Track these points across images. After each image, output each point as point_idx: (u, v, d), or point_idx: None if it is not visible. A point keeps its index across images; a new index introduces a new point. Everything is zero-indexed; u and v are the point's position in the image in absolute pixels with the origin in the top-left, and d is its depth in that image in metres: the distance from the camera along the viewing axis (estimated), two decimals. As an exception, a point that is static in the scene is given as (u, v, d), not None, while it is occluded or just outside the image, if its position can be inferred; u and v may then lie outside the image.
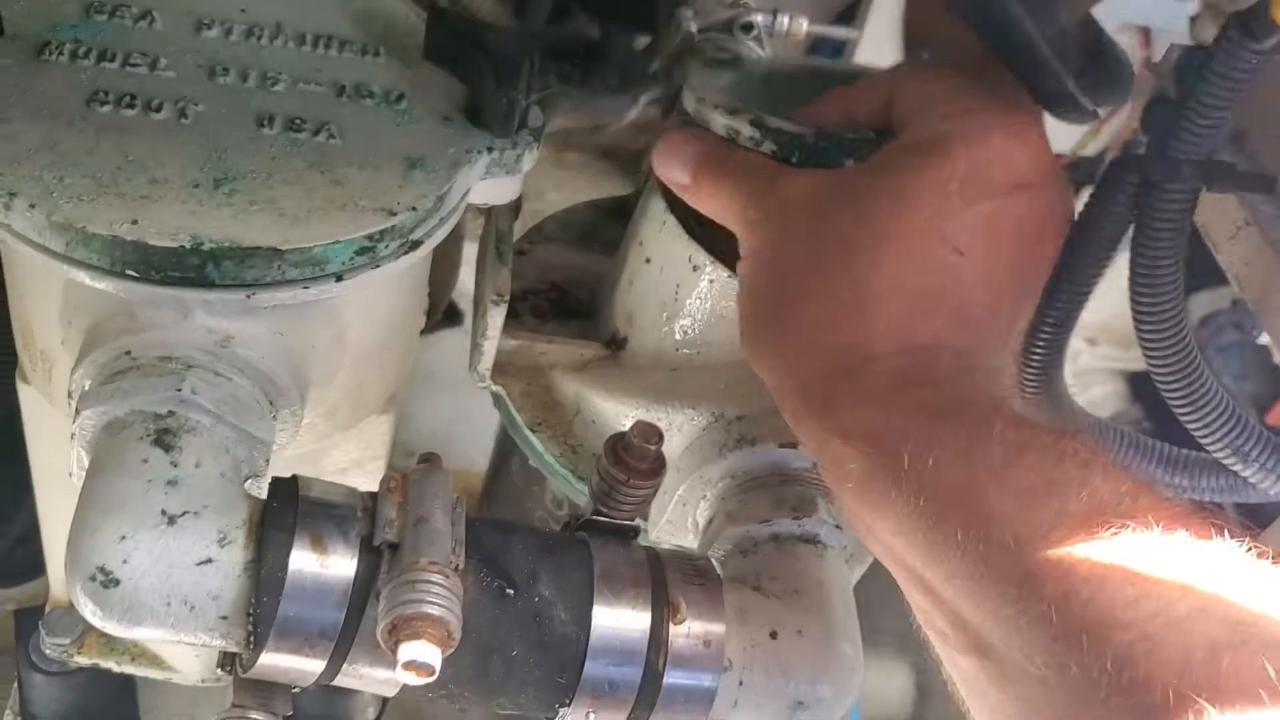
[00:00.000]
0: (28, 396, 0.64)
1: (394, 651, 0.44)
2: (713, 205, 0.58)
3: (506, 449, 0.81)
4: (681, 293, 0.64)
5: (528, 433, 0.68)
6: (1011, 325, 0.54)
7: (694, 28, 0.91)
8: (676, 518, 0.63)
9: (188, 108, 0.55)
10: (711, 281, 0.63)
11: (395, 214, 0.53)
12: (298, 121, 0.56)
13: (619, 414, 0.66)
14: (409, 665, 0.43)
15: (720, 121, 0.59)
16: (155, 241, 0.50)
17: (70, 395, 0.54)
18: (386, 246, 0.54)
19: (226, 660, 0.52)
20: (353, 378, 0.61)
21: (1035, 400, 0.61)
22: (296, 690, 0.51)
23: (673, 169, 0.59)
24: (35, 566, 0.95)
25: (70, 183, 0.51)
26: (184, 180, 0.52)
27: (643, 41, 0.95)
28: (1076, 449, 0.44)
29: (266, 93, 0.58)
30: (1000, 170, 0.51)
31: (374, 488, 0.50)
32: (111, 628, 0.47)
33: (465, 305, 0.89)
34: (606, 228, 0.81)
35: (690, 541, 0.64)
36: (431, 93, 0.60)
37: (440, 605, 0.45)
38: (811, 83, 0.62)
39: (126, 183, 0.51)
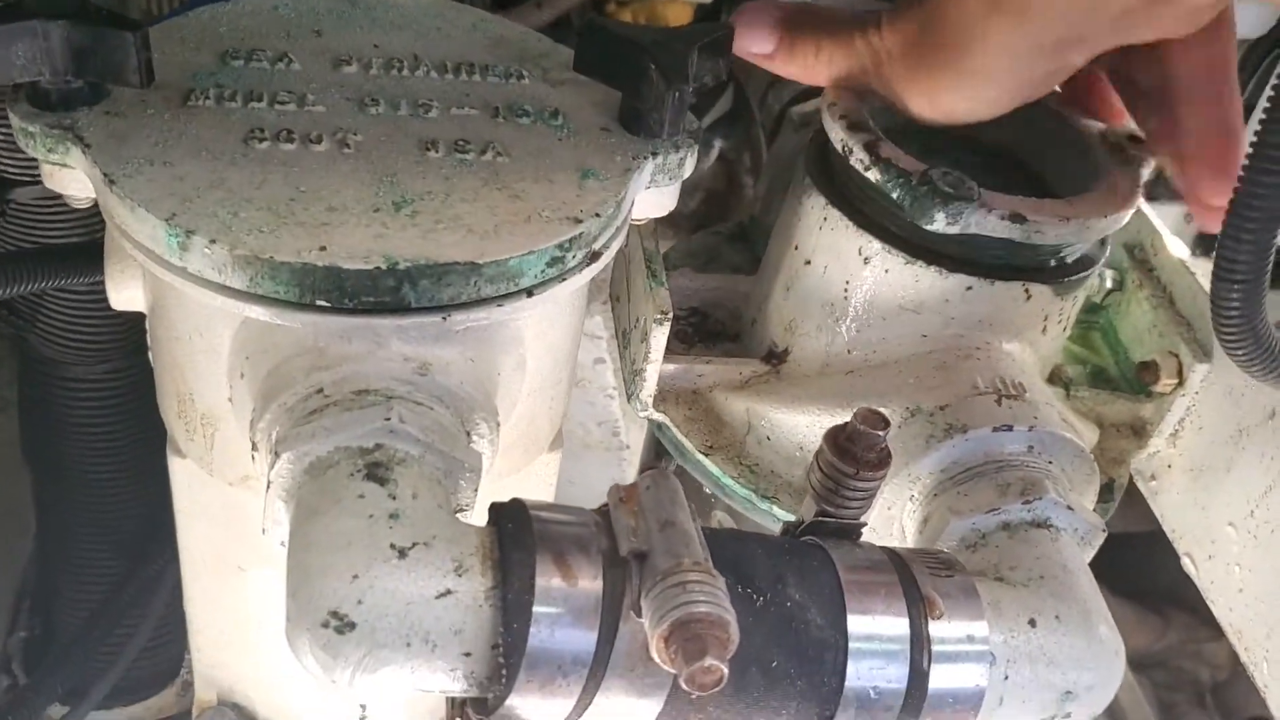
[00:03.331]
0: (182, 470, 0.61)
1: (672, 662, 0.40)
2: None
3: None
4: (851, 288, 0.62)
5: (700, 458, 0.65)
6: None
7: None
8: (880, 524, 0.59)
9: (347, 138, 0.53)
10: (887, 271, 0.60)
11: (581, 221, 0.51)
12: (462, 143, 0.54)
13: (797, 425, 0.63)
14: (697, 671, 0.40)
15: None
16: (348, 265, 0.47)
17: (255, 448, 0.51)
18: (574, 257, 0.51)
19: (457, 710, 0.48)
20: (528, 410, 0.58)
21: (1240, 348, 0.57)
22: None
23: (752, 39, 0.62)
24: (161, 677, 0.91)
25: (246, 216, 0.48)
26: (362, 205, 0.50)
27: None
28: None
29: (422, 119, 0.55)
30: None
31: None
32: (346, 678, 0.43)
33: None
34: (731, 252, 0.79)
35: (897, 547, 0.60)
36: (584, 106, 0.58)
37: (717, 604, 0.41)
38: None
39: (304, 211, 0.49)
